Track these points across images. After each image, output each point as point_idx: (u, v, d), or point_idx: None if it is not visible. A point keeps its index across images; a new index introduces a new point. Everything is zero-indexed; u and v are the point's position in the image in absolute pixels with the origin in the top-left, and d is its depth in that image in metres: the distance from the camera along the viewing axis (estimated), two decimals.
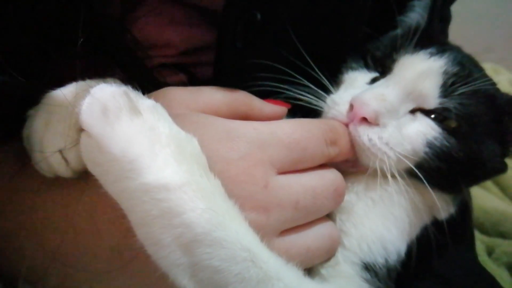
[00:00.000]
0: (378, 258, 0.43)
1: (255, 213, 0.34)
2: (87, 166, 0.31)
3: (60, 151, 0.33)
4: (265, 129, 0.37)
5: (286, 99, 0.46)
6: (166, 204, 0.29)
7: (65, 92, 0.34)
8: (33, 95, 0.36)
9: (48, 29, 0.37)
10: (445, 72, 0.46)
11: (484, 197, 0.88)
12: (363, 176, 0.45)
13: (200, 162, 0.32)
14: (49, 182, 0.35)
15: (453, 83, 0.45)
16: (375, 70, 0.51)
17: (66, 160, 0.34)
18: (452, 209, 0.49)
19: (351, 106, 0.43)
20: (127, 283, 0.35)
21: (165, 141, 0.30)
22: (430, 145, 0.44)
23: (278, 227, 0.35)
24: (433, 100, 0.45)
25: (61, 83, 0.35)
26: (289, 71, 0.46)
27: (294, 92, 0.46)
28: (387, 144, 0.43)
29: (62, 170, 0.34)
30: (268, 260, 0.32)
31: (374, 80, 0.49)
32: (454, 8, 0.67)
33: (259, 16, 0.42)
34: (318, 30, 0.49)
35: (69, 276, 0.35)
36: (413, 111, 0.46)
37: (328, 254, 0.40)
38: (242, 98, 0.41)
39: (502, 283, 0.53)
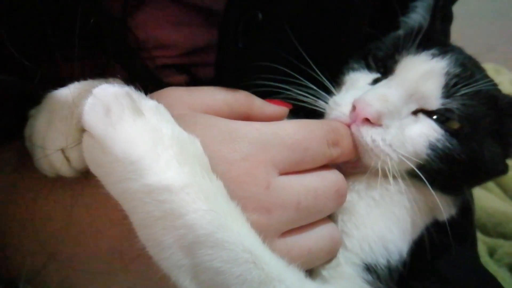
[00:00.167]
0: (380, 258, 0.43)
1: (257, 214, 0.34)
2: (89, 166, 0.31)
3: (62, 150, 0.33)
4: (267, 130, 0.36)
5: (287, 99, 0.46)
6: (168, 206, 0.29)
7: (68, 92, 0.34)
8: (35, 94, 0.36)
9: (51, 28, 0.37)
10: (448, 73, 0.46)
11: (486, 198, 0.87)
12: (364, 176, 0.45)
13: (202, 163, 0.32)
14: (51, 182, 0.35)
15: (455, 84, 0.45)
16: (377, 71, 0.51)
17: (68, 159, 0.34)
18: (453, 210, 0.49)
19: (354, 107, 0.43)
20: (128, 284, 0.35)
21: (168, 142, 0.30)
22: (432, 146, 0.44)
23: (279, 228, 0.35)
24: (435, 101, 0.45)
25: (64, 83, 0.35)
26: (290, 71, 0.46)
27: (295, 92, 0.46)
28: (389, 145, 0.42)
29: (64, 169, 0.34)
30: (270, 262, 0.32)
31: (375, 81, 0.49)
32: (456, 8, 0.67)
33: (260, 16, 0.42)
34: (320, 31, 0.49)
35: (70, 277, 0.35)
36: (415, 112, 0.46)
37: (330, 255, 0.40)
38: (244, 99, 0.41)
39: (503, 284, 0.53)
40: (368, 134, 0.42)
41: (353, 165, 0.45)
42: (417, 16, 0.54)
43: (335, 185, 0.39)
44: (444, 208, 0.46)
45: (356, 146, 0.43)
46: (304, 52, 0.46)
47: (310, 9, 0.47)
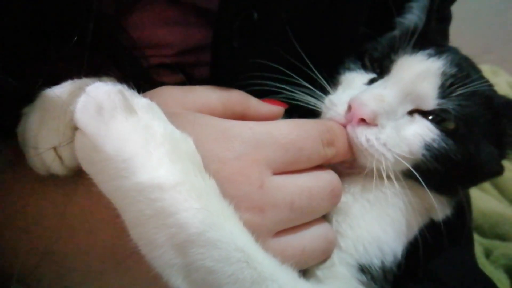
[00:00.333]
0: (374, 259, 0.42)
1: (250, 214, 0.34)
2: (82, 164, 0.31)
3: (54, 148, 0.33)
4: (261, 129, 0.36)
5: (283, 99, 0.46)
6: (160, 204, 0.29)
7: (61, 90, 0.34)
8: (28, 93, 0.35)
9: (44, 27, 0.37)
10: (444, 73, 0.46)
11: (482, 199, 0.87)
12: (360, 177, 0.45)
13: (195, 161, 0.32)
14: (43, 180, 0.35)
15: (451, 84, 0.45)
16: (373, 71, 0.50)
17: (60, 158, 0.33)
18: (448, 211, 0.49)
19: (349, 107, 0.43)
20: (121, 282, 0.35)
21: (160, 140, 0.30)
22: (428, 147, 0.44)
23: (273, 228, 0.35)
24: (431, 101, 0.45)
25: (57, 81, 0.35)
26: (286, 71, 0.46)
27: (291, 92, 0.46)
28: (385, 145, 0.42)
29: (56, 167, 0.34)
30: (263, 261, 0.32)
31: (372, 81, 0.49)
32: (454, 10, 0.67)
33: (255, 15, 0.42)
34: (316, 30, 0.49)
35: (62, 276, 0.35)
36: (411, 112, 0.46)
37: (324, 255, 0.40)
38: (238, 98, 0.41)
39: (500, 285, 0.53)
40: (363, 134, 0.42)
41: (348, 165, 0.45)
42: (413, 17, 0.53)
43: (330, 185, 0.39)
44: (439, 208, 0.46)
45: (351, 146, 0.43)
46: (301, 52, 0.46)
47: (306, 9, 0.47)
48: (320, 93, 0.48)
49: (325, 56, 0.48)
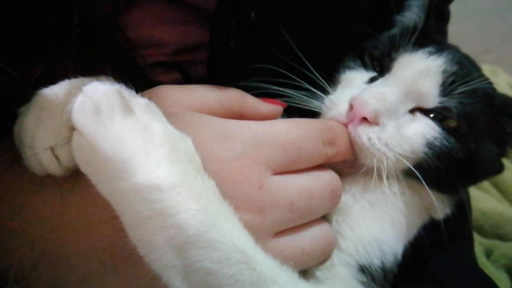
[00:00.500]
0: (374, 260, 0.42)
1: (250, 214, 0.33)
2: (79, 165, 0.31)
3: (51, 148, 0.33)
4: (260, 129, 0.36)
5: (282, 99, 0.45)
6: (159, 205, 0.28)
7: (58, 89, 0.34)
8: (24, 92, 0.35)
9: (41, 26, 0.37)
10: (445, 71, 0.46)
11: (483, 199, 0.87)
12: (361, 177, 0.45)
13: (194, 162, 0.31)
14: (40, 181, 0.34)
15: (452, 82, 0.45)
16: (373, 69, 0.50)
17: (57, 158, 0.33)
18: (448, 210, 0.49)
19: (351, 106, 0.43)
20: (119, 284, 0.34)
21: (158, 140, 0.30)
22: (429, 145, 0.43)
23: (273, 228, 0.35)
24: (432, 99, 0.45)
25: (54, 80, 0.35)
26: (285, 71, 0.45)
27: (290, 92, 0.46)
28: (386, 144, 0.42)
29: (53, 167, 0.33)
30: (263, 262, 0.31)
31: (372, 80, 0.49)
32: (453, 9, 0.67)
33: (253, 15, 0.42)
34: (314, 29, 0.48)
35: (60, 277, 0.35)
36: (412, 111, 0.46)
37: (324, 256, 0.39)
38: (237, 97, 0.41)
39: (500, 285, 0.53)
40: (365, 133, 0.42)
41: (350, 164, 0.45)
42: (412, 15, 0.53)
43: (330, 185, 0.38)
44: (440, 207, 0.46)
45: (353, 145, 0.43)
46: (299, 51, 0.46)
47: (305, 8, 0.47)
48: (320, 93, 0.47)
49: (325, 55, 0.47)
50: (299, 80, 0.46)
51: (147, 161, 0.29)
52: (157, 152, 0.29)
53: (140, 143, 0.29)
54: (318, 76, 0.47)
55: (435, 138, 0.44)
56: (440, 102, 0.45)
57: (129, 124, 0.30)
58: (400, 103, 0.45)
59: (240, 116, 0.40)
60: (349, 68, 0.51)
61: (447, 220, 0.48)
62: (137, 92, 0.33)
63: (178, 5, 0.45)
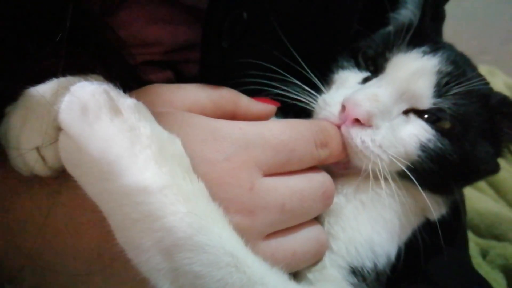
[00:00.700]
0: (366, 262, 0.42)
1: (240, 216, 0.33)
2: (66, 166, 0.30)
3: (37, 149, 0.32)
4: (251, 130, 0.36)
5: (275, 98, 0.45)
6: (146, 208, 0.28)
7: (45, 89, 0.33)
8: (13, 91, 0.34)
9: (29, 24, 0.36)
10: (439, 71, 0.45)
11: (479, 199, 0.87)
12: (354, 178, 0.44)
13: (182, 163, 0.31)
14: (27, 181, 0.34)
15: (447, 83, 0.45)
16: (367, 69, 0.50)
17: (43, 158, 0.32)
18: (443, 210, 0.49)
19: (343, 107, 0.42)
20: (107, 286, 0.34)
21: (146, 142, 0.29)
22: (423, 147, 0.43)
23: (263, 231, 0.35)
24: (426, 100, 0.45)
25: (42, 79, 0.34)
26: (278, 69, 0.45)
27: (284, 91, 0.45)
28: (380, 146, 0.42)
29: (39, 168, 0.33)
30: (252, 265, 0.31)
31: (366, 80, 0.48)
32: (450, 10, 0.66)
33: (245, 15, 0.41)
34: (308, 29, 0.48)
35: (47, 279, 0.34)
36: (406, 112, 0.45)
37: (315, 258, 0.39)
38: (229, 96, 0.40)
39: (496, 285, 0.53)
40: (358, 136, 0.41)
41: (343, 166, 0.44)
42: (407, 12, 0.53)
43: (322, 187, 0.38)
44: (435, 208, 0.46)
45: (346, 147, 0.42)
46: (293, 50, 0.45)
47: (298, 7, 0.47)
48: (314, 92, 0.47)
49: (318, 55, 0.47)
50: (293, 79, 0.46)
51: (134, 162, 0.28)
52: (145, 154, 0.29)
53: (127, 145, 0.29)
54: (312, 75, 0.47)
55: (429, 141, 0.43)
56: (434, 104, 0.44)
57: (116, 124, 0.29)
58: (393, 105, 0.44)
59: (233, 115, 0.40)
60: (343, 68, 0.51)
61: (442, 221, 0.47)
62: (126, 92, 0.32)
63: (170, 5, 0.45)
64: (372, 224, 0.43)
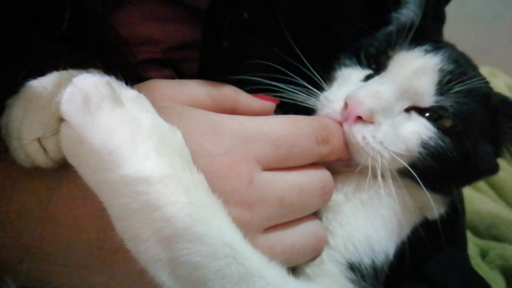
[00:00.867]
0: (364, 258, 0.42)
1: (239, 209, 0.33)
2: (67, 156, 0.31)
3: (39, 140, 0.32)
4: (251, 124, 0.36)
5: (277, 96, 0.45)
6: (146, 198, 0.28)
7: (46, 81, 0.33)
8: (13, 85, 0.35)
9: (31, 22, 0.36)
10: (441, 70, 0.45)
11: (479, 200, 0.87)
12: (354, 176, 0.44)
13: (183, 155, 0.31)
14: (27, 172, 0.34)
15: (449, 81, 0.45)
16: (369, 67, 0.50)
17: (44, 149, 0.33)
18: (442, 209, 0.49)
19: (346, 104, 0.42)
20: (106, 277, 0.34)
21: (147, 133, 0.30)
22: (424, 145, 0.43)
23: (262, 224, 0.35)
24: (428, 98, 0.45)
25: (43, 73, 0.34)
26: (279, 67, 0.45)
27: (285, 89, 0.45)
28: (381, 143, 0.42)
29: (40, 159, 0.33)
30: (251, 257, 0.31)
31: (368, 78, 0.48)
32: (451, 11, 0.66)
33: (245, 15, 0.41)
34: (310, 27, 0.48)
35: (47, 270, 0.35)
36: (408, 110, 0.45)
37: (314, 252, 0.39)
38: (229, 92, 0.40)
39: (495, 286, 0.53)
40: (360, 132, 0.41)
41: (345, 163, 0.44)
42: (409, 12, 0.53)
43: (321, 182, 0.38)
44: (434, 206, 0.46)
45: (347, 144, 0.42)
46: (296, 49, 0.46)
47: (300, 6, 0.47)
48: (315, 90, 0.47)
49: (320, 52, 0.47)
50: (294, 76, 0.46)
51: (134, 153, 0.28)
52: (145, 144, 0.29)
53: (128, 135, 0.29)
54: (314, 73, 0.47)
55: (430, 138, 0.43)
56: (436, 101, 0.44)
57: (118, 115, 0.29)
58: (395, 102, 0.44)
59: (232, 112, 0.40)
60: (345, 65, 0.51)
61: (440, 220, 0.47)
62: (127, 85, 0.32)
63: (171, 3, 0.45)
64: (370, 221, 0.43)
